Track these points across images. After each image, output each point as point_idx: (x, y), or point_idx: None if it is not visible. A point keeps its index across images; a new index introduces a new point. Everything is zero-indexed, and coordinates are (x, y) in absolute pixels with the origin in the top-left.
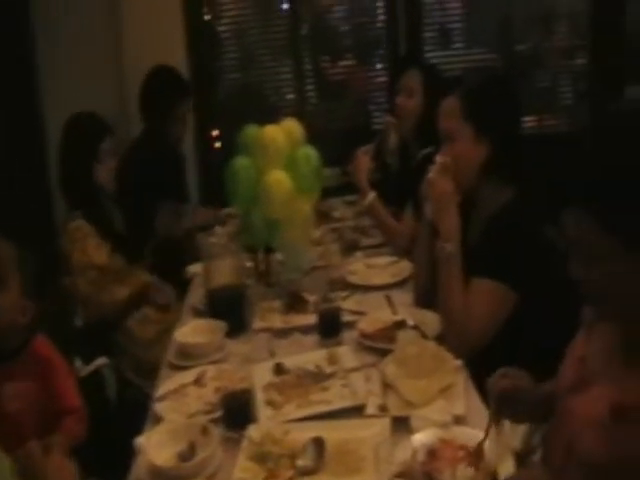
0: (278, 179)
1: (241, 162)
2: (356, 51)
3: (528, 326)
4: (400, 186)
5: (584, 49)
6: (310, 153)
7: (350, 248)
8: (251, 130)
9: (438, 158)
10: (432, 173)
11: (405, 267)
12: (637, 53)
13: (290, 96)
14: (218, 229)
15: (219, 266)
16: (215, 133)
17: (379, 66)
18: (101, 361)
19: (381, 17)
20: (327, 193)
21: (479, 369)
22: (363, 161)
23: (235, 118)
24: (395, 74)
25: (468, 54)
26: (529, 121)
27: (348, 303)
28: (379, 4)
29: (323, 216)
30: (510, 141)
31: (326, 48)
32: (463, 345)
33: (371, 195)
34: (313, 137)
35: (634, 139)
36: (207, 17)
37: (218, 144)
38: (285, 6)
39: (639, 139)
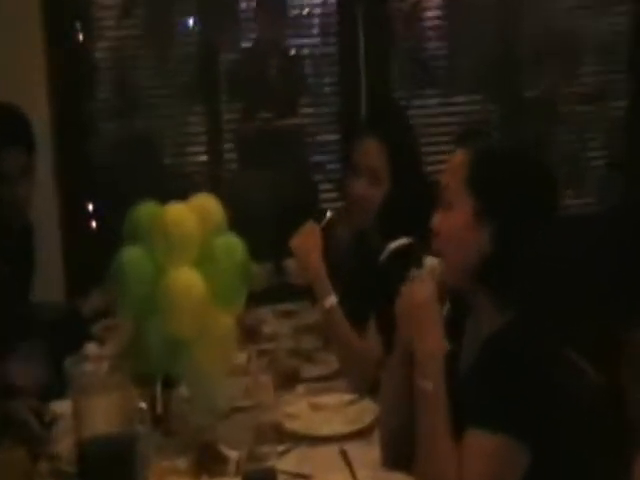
0: (186, 280)
1: (131, 254)
2: (294, 98)
3: None
4: (357, 292)
5: (620, 88)
6: (233, 243)
7: (288, 380)
8: (147, 209)
9: (428, 260)
10: (415, 282)
11: (368, 409)
12: None
13: (201, 158)
14: (94, 349)
15: (96, 405)
16: (90, 208)
17: (330, 121)
18: None
19: (332, 48)
20: (254, 300)
21: None
22: (314, 240)
23: (120, 187)
24: (349, 144)
25: (451, 103)
26: None
27: (287, 462)
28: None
29: (250, 333)
30: (522, 237)
31: (252, 94)
32: None
33: (331, 297)
34: (233, 220)
35: None
36: (80, 40)
37: (94, 224)
38: (190, 23)
39: None
